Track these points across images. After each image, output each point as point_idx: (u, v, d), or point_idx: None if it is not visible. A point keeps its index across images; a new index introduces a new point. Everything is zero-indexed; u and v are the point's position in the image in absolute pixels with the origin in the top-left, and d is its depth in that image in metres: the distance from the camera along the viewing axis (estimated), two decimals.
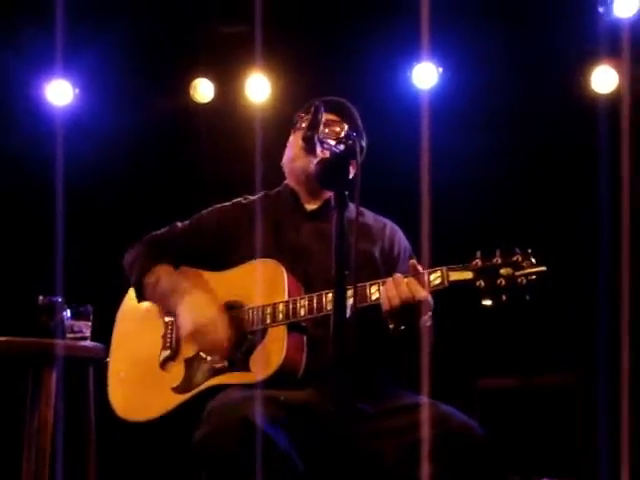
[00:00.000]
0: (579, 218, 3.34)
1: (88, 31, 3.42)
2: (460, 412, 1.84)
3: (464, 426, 1.80)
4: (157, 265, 2.08)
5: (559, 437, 3.08)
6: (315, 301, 1.90)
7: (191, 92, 3.71)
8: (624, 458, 2.63)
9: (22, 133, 3.51)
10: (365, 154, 2.13)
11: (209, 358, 2.01)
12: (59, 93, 3.63)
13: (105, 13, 3.46)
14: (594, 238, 3.12)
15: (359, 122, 2.15)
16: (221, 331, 1.96)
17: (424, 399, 1.85)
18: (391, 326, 1.87)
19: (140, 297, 2.12)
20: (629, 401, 2.72)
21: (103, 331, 2.37)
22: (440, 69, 3.54)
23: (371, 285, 1.86)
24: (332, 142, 1.61)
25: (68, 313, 2.42)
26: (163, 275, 2.07)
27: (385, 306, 1.82)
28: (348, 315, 1.52)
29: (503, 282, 1.72)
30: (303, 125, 2.00)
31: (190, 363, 2.03)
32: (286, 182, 2.22)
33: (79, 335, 2.42)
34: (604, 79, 3.47)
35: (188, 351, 2.05)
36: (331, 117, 2.04)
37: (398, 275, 1.83)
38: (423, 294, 1.80)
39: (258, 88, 3.68)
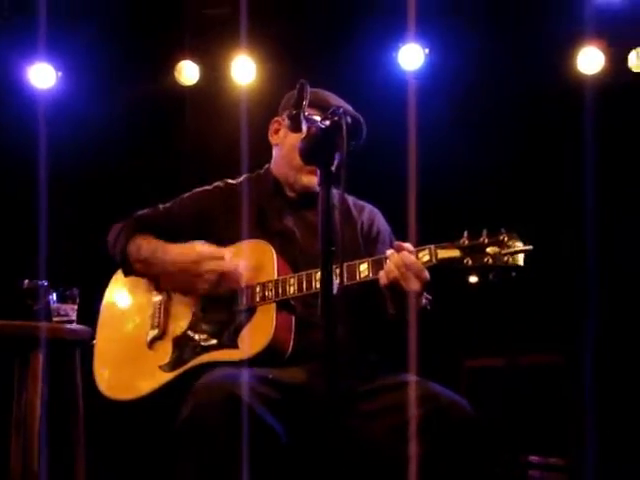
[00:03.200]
0: (566, 197, 3.36)
1: (71, 14, 3.38)
2: (448, 390, 1.85)
3: (453, 404, 1.80)
4: (137, 234, 2.11)
5: (546, 416, 3.10)
6: (305, 279, 1.91)
7: (176, 74, 3.68)
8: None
9: (4, 116, 3.47)
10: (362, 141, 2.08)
11: (197, 337, 2.00)
12: (42, 76, 3.60)
13: None
14: (581, 217, 3.14)
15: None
16: (211, 263, 1.97)
17: (412, 377, 1.86)
18: (391, 310, 1.88)
19: (125, 267, 2.11)
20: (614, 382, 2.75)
21: (89, 314, 2.36)
22: (426, 50, 3.54)
23: (360, 263, 1.86)
24: (318, 118, 1.59)
25: (54, 296, 2.41)
26: (144, 242, 2.09)
27: (391, 275, 1.80)
28: (336, 292, 1.52)
29: (490, 260, 1.74)
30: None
31: (178, 341, 2.03)
32: (268, 167, 2.22)
33: (65, 318, 2.40)
34: (590, 60, 3.48)
35: (176, 330, 2.05)
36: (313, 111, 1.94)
37: (407, 245, 1.83)
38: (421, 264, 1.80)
39: (243, 70, 3.66)
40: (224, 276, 1.99)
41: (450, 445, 1.75)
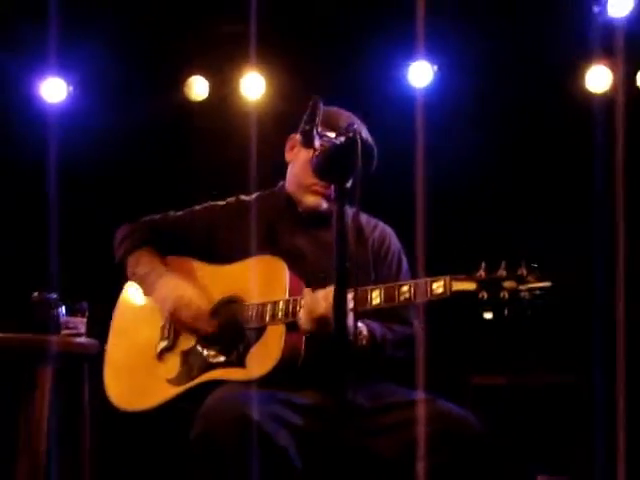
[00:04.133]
0: (576, 217, 3.34)
1: (82, 28, 3.41)
2: (458, 407, 1.84)
3: (463, 421, 1.80)
4: (141, 248, 2.12)
5: (554, 435, 3.08)
6: None
7: (186, 90, 3.70)
8: (620, 456, 2.64)
9: (15, 130, 3.49)
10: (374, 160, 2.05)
11: (205, 352, 2.00)
12: (53, 91, 3.61)
13: (100, 10, 3.45)
14: (590, 237, 3.13)
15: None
16: (198, 300, 1.99)
17: (421, 394, 1.85)
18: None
19: (122, 271, 2.15)
20: (625, 399, 2.73)
21: (98, 328, 2.36)
22: (435, 67, 3.55)
23: (372, 290, 1.84)
24: (332, 134, 1.59)
25: (63, 310, 2.41)
26: (144, 258, 2.11)
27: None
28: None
29: (506, 295, 1.68)
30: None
31: (186, 356, 2.02)
32: (282, 183, 2.22)
33: (74, 332, 2.41)
34: (598, 78, 3.49)
35: (186, 343, 2.05)
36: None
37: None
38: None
39: (253, 86, 3.68)
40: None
41: (460, 462, 1.74)
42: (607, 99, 3.42)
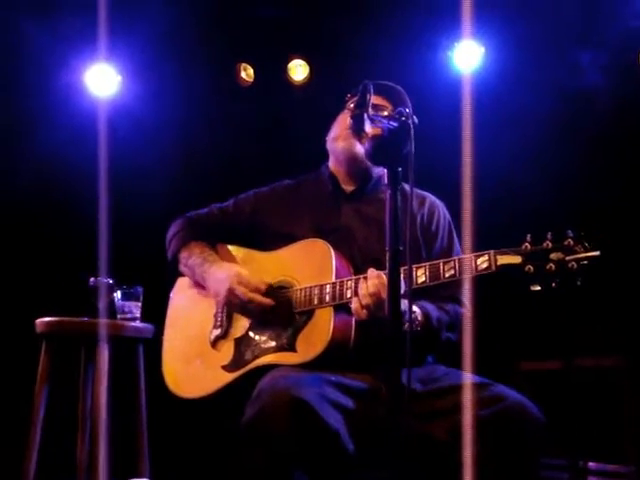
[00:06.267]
0: (632, 199, 3.24)
1: (131, 15, 3.42)
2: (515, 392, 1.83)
3: (521, 405, 1.78)
4: (192, 241, 2.18)
5: (606, 421, 3.03)
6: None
7: (242, 74, 3.70)
8: None
9: (64, 116, 3.52)
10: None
11: (257, 338, 2.03)
12: (101, 79, 3.60)
13: None
14: None
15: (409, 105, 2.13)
16: (252, 278, 2.01)
17: (476, 378, 1.84)
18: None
19: (174, 267, 2.21)
20: None
21: (153, 312, 2.42)
22: (483, 49, 3.47)
23: (417, 268, 1.84)
24: (384, 119, 1.59)
25: (119, 294, 2.47)
26: (196, 250, 2.16)
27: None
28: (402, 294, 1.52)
29: (553, 267, 1.66)
30: (352, 105, 2.00)
31: (239, 342, 2.06)
32: (326, 164, 2.23)
33: (129, 316, 2.46)
34: None
35: (238, 330, 2.09)
36: (380, 101, 1.97)
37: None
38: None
39: (298, 71, 3.68)
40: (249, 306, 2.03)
41: (516, 447, 1.73)
42: None
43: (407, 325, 1.58)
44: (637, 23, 3.21)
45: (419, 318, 1.92)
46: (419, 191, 2.19)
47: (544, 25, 3.34)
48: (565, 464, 2.88)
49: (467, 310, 2.04)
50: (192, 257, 2.16)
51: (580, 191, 3.26)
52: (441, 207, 2.19)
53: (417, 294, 1.91)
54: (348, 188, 2.16)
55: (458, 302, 2.04)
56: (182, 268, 2.20)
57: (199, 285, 2.18)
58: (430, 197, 2.20)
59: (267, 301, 2.01)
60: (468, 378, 1.84)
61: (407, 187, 1.57)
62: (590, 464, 2.92)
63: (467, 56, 3.46)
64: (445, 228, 2.15)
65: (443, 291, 2.00)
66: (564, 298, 2.96)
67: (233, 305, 2.06)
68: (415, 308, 1.90)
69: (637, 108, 3.27)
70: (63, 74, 3.62)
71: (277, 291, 2.05)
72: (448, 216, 2.18)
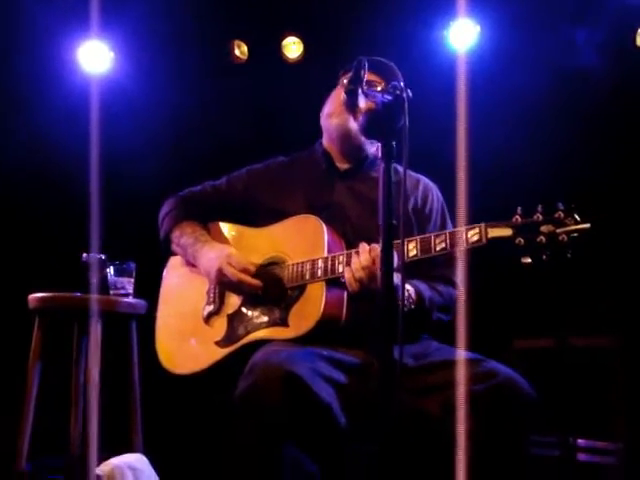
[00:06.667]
0: (628, 177, 3.24)
1: None
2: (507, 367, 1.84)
3: (513, 380, 1.79)
4: (184, 220, 2.18)
5: (597, 399, 3.05)
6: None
7: (237, 51, 3.68)
8: None
9: (56, 96, 3.50)
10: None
11: (249, 313, 2.04)
12: (94, 56, 3.57)
13: None
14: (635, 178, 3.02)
15: (402, 80, 2.12)
16: (243, 258, 2.02)
17: (469, 354, 1.85)
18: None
19: (166, 246, 2.22)
20: None
21: (146, 288, 2.42)
22: (478, 27, 3.45)
23: (408, 242, 1.84)
24: (378, 93, 1.59)
25: (111, 270, 2.47)
26: (187, 229, 2.17)
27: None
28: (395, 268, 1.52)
29: (543, 239, 1.67)
30: (345, 81, 1.99)
31: (232, 318, 2.07)
32: (320, 141, 2.22)
33: (122, 292, 2.46)
34: None
35: (230, 306, 2.09)
36: (373, 77, 1.98)
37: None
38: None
39: (292, 47, 3.66)
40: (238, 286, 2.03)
41: (508, 422, 1.74)
42: None
43: (400, 302, 1.58)
44: (633, 1, 3.19)
45: (412, 296, 1.92)
46: (413, 173, 2.19)
47: (539, 3, 3.32)
48: (555, 441, 2.90)
49: (460, 291, 2.04)
50: (184, 236, 2.16)
51: (575, 170, 3.24)
52: (434, 189, 2.19)
53: (410, 273, 1.92)
54: (342, 166, 2.16)
55: (451, 283, 2.05)
56: (174, 247, 2.21)
57: (191, 264, 2.18)
58: (424, 179, 2.20)
59: (256, 282, 2.02)
60: (461, 354, 1.85)
61: (400, 169, 1.56)
62: (579, 441, 2.94)
63: (462, 35, 3.44)
64: (438, 211, 2.15)
65: (435, 270, 2.00)
66: (557, 277, 2.97)
67: (224, 284, 2.06)
68: (408, 286, 1.90)
69: (632, 86, 3.26)
70: (55, 50, 3.60)
71: (268, 268, 2.05)
72: (441, 198, 2.19)
